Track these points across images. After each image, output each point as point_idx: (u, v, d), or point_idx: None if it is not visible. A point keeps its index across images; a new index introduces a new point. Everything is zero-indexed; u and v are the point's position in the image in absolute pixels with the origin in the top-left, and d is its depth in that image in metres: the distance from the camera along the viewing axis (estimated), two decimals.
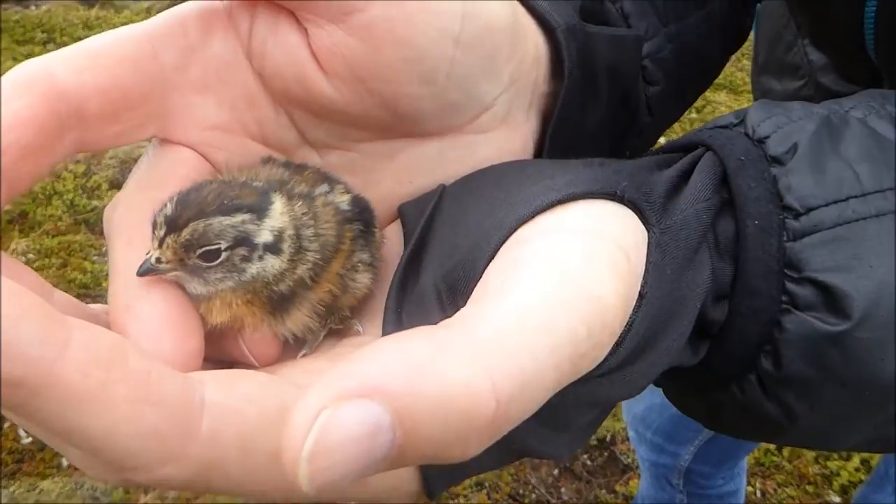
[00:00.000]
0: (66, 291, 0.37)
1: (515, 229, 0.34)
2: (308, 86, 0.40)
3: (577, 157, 0.41)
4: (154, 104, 0.38)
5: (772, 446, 2.12)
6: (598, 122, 0.51)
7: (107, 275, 0.37)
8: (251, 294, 0.37)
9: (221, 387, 0.29)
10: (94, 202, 2.69)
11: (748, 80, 1.57)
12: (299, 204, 0.38)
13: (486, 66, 0.41)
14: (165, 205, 0.35)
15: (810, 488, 2.06)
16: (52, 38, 3.47)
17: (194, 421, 0.28)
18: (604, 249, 0.32)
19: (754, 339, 0.38)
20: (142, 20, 0.38)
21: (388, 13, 0.37)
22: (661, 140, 0.60)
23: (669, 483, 1.59)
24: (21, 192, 0.33)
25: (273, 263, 0.37)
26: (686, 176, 0.39)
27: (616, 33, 0.51)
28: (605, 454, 2.11)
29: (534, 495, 2.01)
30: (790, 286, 0.37)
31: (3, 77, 0.33)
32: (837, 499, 2.04)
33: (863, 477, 1.99)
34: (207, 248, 0.35)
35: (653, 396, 1.45)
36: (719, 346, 0.39)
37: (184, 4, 0.39)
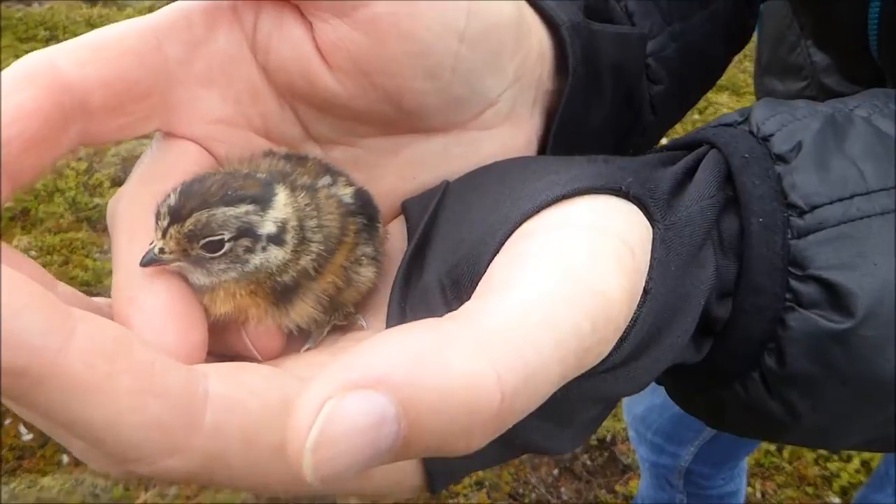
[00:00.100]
0: None
1: (520, 224, 0.34)
2: (312, 80, 0.39)
3: (581, 155, 0.41)
4: (158, 97, 0.38)
5: (772, 447, 2.12)
6: (601, 120, 0.50)
7: (109, 272, 0.36)
8: (255, 285, 0.37)
9: (225, 379, 0.29)
10: (97, 199, 2.70)
11: (751, 81, 1.57)
12: (302, 195, 0.38)
13: (490, 61, 0.41)
14: (169, 195, 0.35)
15: (810, 489, 2.06)
16: (55, 35, 3.47)
17: (198, 413, 0.27)
18: (609, 245, 0.32)
19: (758, 337, 0.38)
20: None
21: (392, 8, 0.37)
22: (664, 140, 0.60)
23: (669, 483, 1.59)
24: (24, 186, 0.33)
25: (276, 254, 0.37)
26: (690, 173, 0.39)
27: (620, 31, 0.51)
28: (605, 454, 2.11)
29: (534, 495, 2.01)
30: (794, 284, 0.36)
31: (7, 69, 0.33)
32: (837, 500, 2.03)
33: (863, 478, 1.99)
34: (211, 238, 0.35)
35: (653, 397, 1.45)
36: (723, 343, 0.39)
37: None
